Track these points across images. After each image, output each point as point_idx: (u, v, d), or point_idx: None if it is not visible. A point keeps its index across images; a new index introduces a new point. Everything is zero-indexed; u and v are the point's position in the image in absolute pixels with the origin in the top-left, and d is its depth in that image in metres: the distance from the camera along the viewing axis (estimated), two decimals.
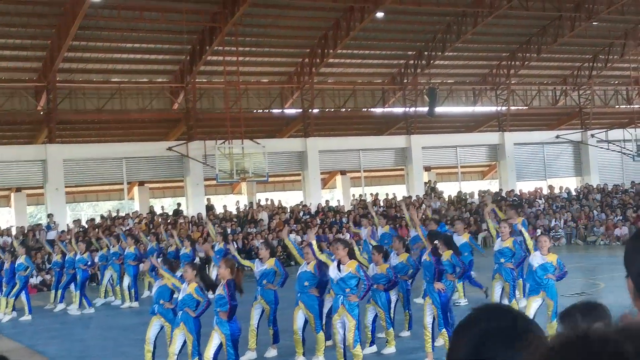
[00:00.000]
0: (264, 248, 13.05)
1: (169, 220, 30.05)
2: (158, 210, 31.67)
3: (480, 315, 2.01)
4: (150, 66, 30.88)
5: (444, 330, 11.16)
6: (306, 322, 11.66)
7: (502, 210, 19.96)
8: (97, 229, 25.88)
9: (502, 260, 13.62)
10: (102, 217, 30.37)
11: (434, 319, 11.28)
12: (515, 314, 2.04)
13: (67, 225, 28.40)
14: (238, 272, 10.29)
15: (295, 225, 29.91)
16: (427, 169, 37.44)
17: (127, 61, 30.01)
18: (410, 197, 34.59)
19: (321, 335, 11.41)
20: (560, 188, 36.63)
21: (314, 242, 11.82)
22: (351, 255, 10.84)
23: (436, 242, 11.90)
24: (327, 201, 34.19)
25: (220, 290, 10.15)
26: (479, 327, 1.97)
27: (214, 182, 30.43)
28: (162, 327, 11.57)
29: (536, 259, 11.63)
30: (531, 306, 11.43)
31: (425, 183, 36.41)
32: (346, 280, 10.60)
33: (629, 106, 40.51)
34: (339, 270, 10.63)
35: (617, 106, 41.33)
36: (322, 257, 11.42)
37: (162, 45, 29.54)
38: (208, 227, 23.02)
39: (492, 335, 1.94)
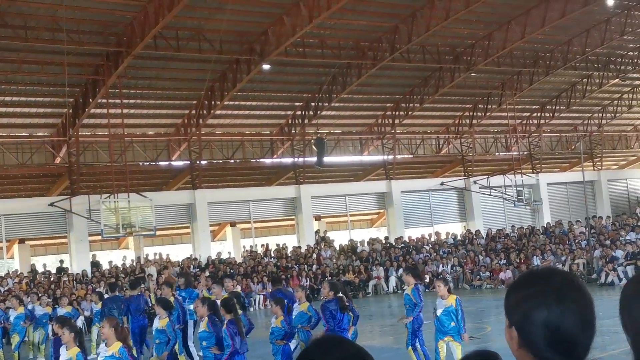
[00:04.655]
0: (158, 305, 12.77)
1: (52, 279, 28.94)
2: (40, 269, 30.42)
3: (318, 349, 2.05)
4: (31, 120, 29.89)
5: None
6: None
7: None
8: None
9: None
10: None
11: None
12: (350, 346, 2.06)
13: None
14: (123, 330, 9.99)
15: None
16: (317, 218, 37.63)
17: (5, 115, 29.00)
18: (299, 247, 34.62)
19: None
20: (447, 234, 37.49)
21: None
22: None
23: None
24: (218, 253, 33.74)
25: (111, 353, 9.74)
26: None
27: (99, 237, 29.58)
28: None
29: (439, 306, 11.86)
30: (442, 349, 11.75)
31: (316, 232, 36.55)
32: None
33: (508, 153, 42.11)
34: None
35: (497, 153, 42.88)
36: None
37: (43, 98, 28.73)
38: None
39: None
